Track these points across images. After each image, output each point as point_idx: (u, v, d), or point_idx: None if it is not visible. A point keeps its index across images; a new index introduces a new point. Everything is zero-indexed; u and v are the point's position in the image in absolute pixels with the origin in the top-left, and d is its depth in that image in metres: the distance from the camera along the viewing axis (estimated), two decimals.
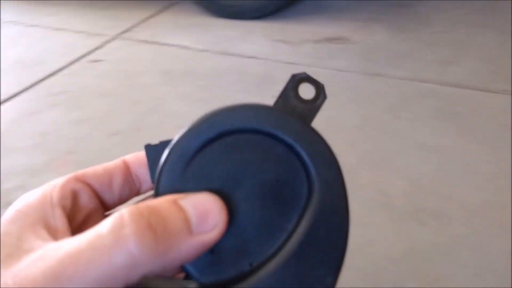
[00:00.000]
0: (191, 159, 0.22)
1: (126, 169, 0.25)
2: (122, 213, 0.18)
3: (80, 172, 0.24)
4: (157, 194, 0.22)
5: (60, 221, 0.20)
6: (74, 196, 0.22)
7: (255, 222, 0.22)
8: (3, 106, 1.54)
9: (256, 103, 0.23)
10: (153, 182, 0.22)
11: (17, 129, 1.41)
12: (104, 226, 0.18)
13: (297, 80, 0.24)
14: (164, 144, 0.22)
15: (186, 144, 0.22)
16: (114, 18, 2.28)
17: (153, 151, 0.23)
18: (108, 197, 0.24)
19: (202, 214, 0.20)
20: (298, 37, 1.99)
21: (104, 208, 0.24)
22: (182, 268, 0.21)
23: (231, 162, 0.22)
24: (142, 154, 0.24)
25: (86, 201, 0.23)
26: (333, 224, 0.22)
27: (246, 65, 1.76)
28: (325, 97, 0.24)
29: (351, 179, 1.25)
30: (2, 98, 1.58)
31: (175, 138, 0.22)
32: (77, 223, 0.22)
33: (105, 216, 0.21)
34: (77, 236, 0.18)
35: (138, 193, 0.26)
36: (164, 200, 0.20)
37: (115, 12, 2.36)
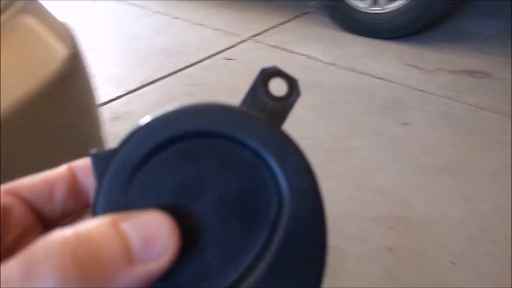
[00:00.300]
0: (137, 170, 0.19)
1: (71, 178, 0.21)
2: (38, 244, 0.15)
3: (13, 184, 0.20)
4: (95, 214, 0.18)
5: None
6: (5, 212, 0.19)
7: (217, 241, 0.19)
8: (147, 88, 1.72)
9: (217, 102, 0.20)
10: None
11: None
12: (14, 262, 0.15)
13: (267, 74, 0.22)
14: (112, 153, 0.19)
15: (131, 152, 0.18)
16: (248, 20, 2.40)
17: (100, 161, 0.19)
18: (48, 212, 0.21)
19: (147, 238, 0.16)
20: (433, 64, 1.88)
21: (44, 224, 0.21)
22: None
23: (186, 172, 0.19)
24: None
25: (20, 217, 0.20)
26: (308, 240, 0.19)
27: (374, 86, 1.72)
28: (298, 93, 0.22)
29: (482, 229, 1.15)
30: (147, 80, 1.76)
31: (119, 144, 0.19)
32: (8, 244, 0.19)
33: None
34: None
35: (86, 205, 0.22)
36: (101, 223, 0.16)
37: (249, 14, 2.48)
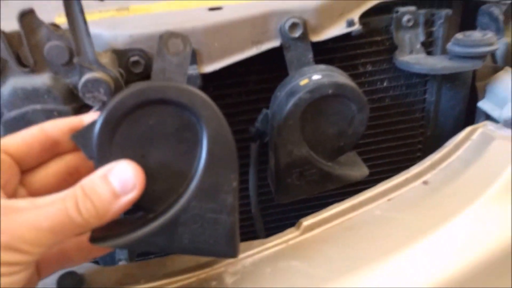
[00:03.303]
0: (116, 129, 0.30)
1: (43, 136, 0.32)
2: (74, 189, 0.28)
3: (1, 143, 0.30)
4: (95, 166, 0.30)
5: None
6: None
7: (162, 173, 0.31)
8: None
9: (158, 83, 0.31)
10: (89, 158, 0.30)
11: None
12: (63, 194, 0.28)
13: (164, 38, 0.31)
14: (85, 129, 0.30)
15: (106, 131, 0.30)
16: None
17: (79, 137, 0.30)
18: (26, 163, 0.32)
19: (123, 181, 0.29)
20: None
21: (22, 172, 0.32)
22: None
23: (143, 128, 0.30)
24: (60, 120, 0.32)
25: (7, 167, 0.30)
26: (223, 150, 0.31)
27: None
28: (191, 45, 0.32)
29: None
30: None
31: (98, 124, 0.29)
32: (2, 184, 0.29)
33: (21, 181, 0.32)
34: (45, 197, 0.28)
35: (58, 153, 0.33)
36: (98, 176, 0.29)
37: None
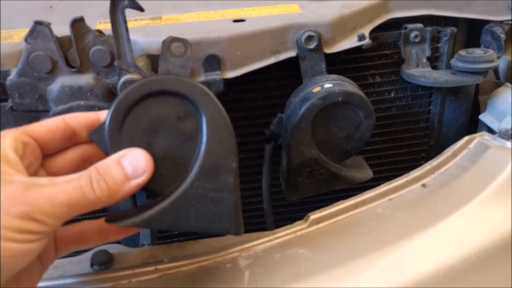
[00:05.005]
0: (124, 119, 0.33)
1: (65, 127, 0.35)
2: (89, 170, 0.31)
3: (28, 128, 0.33)
4: (108, 153, 0.33)
5: (15, 160, 0.30)
6: (24, 145, 0.32)
7: (166, 158, 0.34)
8: None
9: (148, 79, 0.34)
10: (105, 153, 0.33)
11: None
12: (78, 174, 0.31)
13: (167, 42, 0.37)
14: (100, 127, 0.34)
15: (115, 122, 0.33)
16: None
17: (95, 134, 0.34)
18: (48, 149, 0.35)
19: (134, 166, 0.32)
20: None
21: (43, 156, 0.35)
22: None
23: (148, 118, 0.34)
24: (79, 114, 0.36)
25: (32, 150, 0.33)
26: (222, 134, 0.34)
27: None
28: (191, 49, 0.38)
29: None
30: None
31: (108, 117, 0.33)
32: (25, 165, 0.31)
33: (42, 164, 0.35)
34: (60, 177, 0.30)
35: (75, 142, 0.36)
36: (112, 160, 0.32)
37: None
